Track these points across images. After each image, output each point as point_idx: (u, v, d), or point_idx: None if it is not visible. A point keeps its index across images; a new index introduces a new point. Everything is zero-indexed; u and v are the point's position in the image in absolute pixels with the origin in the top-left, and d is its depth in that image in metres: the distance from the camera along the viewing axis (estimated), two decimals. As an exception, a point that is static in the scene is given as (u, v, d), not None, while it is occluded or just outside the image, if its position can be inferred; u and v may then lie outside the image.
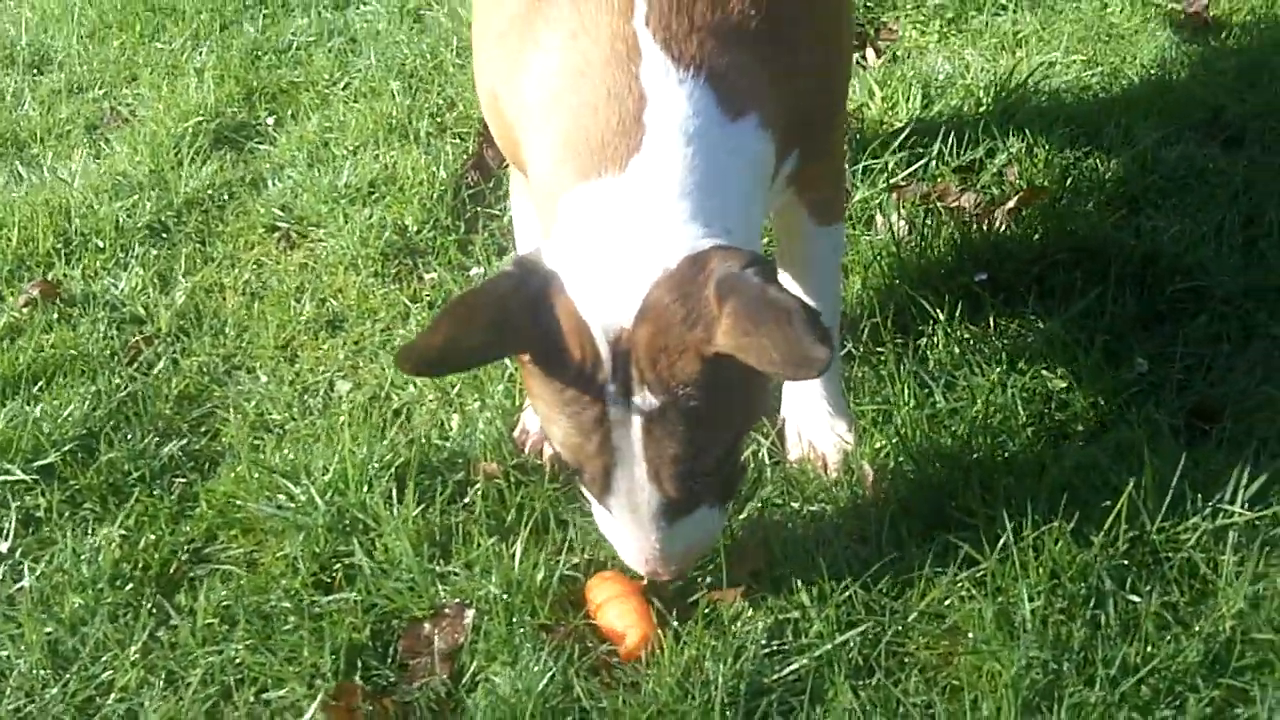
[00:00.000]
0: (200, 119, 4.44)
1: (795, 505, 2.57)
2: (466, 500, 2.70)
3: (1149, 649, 2.17)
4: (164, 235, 3.89)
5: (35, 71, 5.19)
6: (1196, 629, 2.19)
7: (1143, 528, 2.35)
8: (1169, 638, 2.19)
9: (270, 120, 4.48)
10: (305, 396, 3.12)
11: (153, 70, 4.96)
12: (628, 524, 2.24)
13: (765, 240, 3.26)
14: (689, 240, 2.09)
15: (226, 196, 4.04)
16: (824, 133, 2.52)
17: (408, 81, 4.57)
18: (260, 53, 5.00)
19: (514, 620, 2.39)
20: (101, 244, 3.83)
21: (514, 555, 2.50)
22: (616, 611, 2.39)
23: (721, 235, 2.12)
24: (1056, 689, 2.12)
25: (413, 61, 4.72)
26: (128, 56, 5.15)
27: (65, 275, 3.71)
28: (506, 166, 3.86)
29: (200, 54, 5.03)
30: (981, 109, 3.81)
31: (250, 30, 5.18)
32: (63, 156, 4.42)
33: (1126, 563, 2.31)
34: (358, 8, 5.31)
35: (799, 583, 2.37)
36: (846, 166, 2.93)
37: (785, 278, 2.72)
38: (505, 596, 2.42)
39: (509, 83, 2.39)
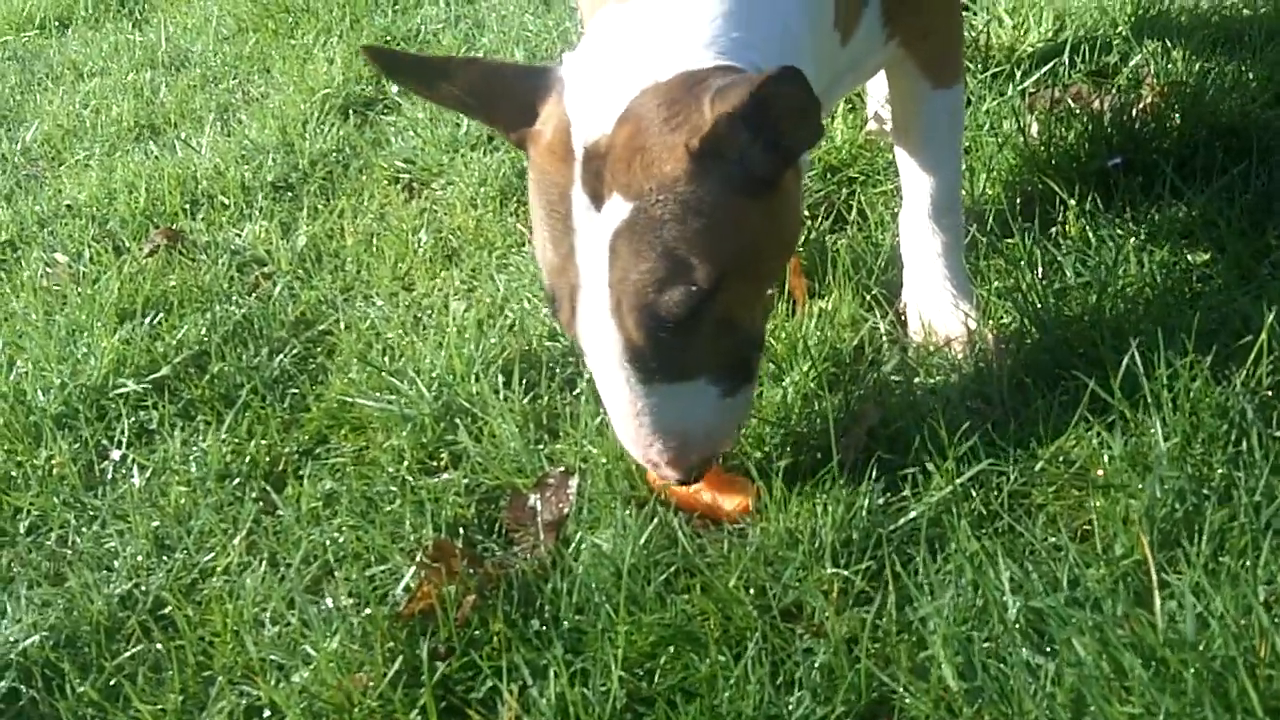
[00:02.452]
0: (328, 93, 4.45)
1: (914, 378, 2.43)
2: (576, 391, 2.61)
3: (1296, 479, 2.00)
4: (288, 191, 3.89)
5: (173, 70, 5.27)
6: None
7: (1288, 363, 2.18)
8: (1319, 467, 2.01)
9: (395, 90, 4.46)
10: (419, 317, 3.06)
11: (285, 60, 5.00)
12: (603, 382, 2.05)
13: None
14: (694, 60, 1.96)
15: (351, 155, 4.03)
16: None
17: (531, 52, 4.54)
18: (389, 39, 5.01)
19: (618, 486, 2.28)
20: (227, 201, 3.84)
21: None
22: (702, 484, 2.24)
23: (747, 66, 1.98)
24: (1196, 520, 1.95)
25: (537, 35, 4.70)
26: (261, 51, 5.22)
27: (190, 228, 3.71)
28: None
29: (331, 44, 5.05)
30: (1117, 29, 3.66)
31: (380, 21, 5.20)
32: (194, 135, 4.45)
33: (1271, 396, 2.13)
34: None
35: (917, 439, 2.23)
36: (962, 26, 2.79)
37: (900, 152, 2.61)
38: (610, 466, 2.31)
39: None
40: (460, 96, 2.10)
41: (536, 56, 4.44)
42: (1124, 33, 3.57)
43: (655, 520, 2.18)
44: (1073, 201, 2.78)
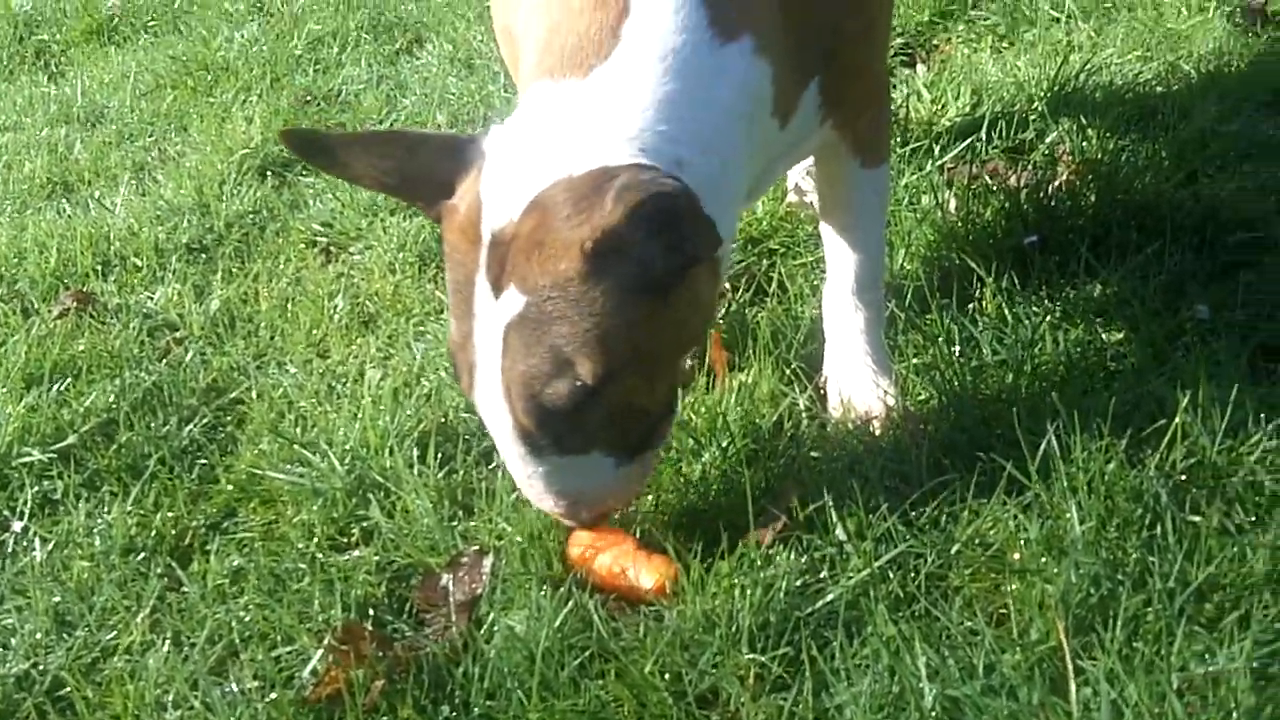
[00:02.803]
0: (246, 153, 4.41)
1: (833, 455, 2.42)
2: (493, 465, 2.58)
3: (1210, 565, 1.99)
4: (203, 254, 3.84)
5: (89, 126, 5.20)
6: (1263, 541, 2.01)
7: (1203, 450, 2.18)
8: (1232, 554, 2.01)
9: (315, 151, 4.42)
10: (334, 385, 3.02)
11: (203, 119, 4.94)
12: (499, 447, 2.10)
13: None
14: (612, 154, 1.96)
15: (267, 217, 3.99)
16: (856, 60, 2.38)
17: (453, 115, 4.52)
18: (310, 99, 4.98)
19: (533, 567, 2.25)
20: (140, 262, 3.78)
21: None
22: (617, 558, 2.22)
23: (669, 162, 1.98)
24: (1111, 605, 1.95)
25: (460, 98, 4.68)
26: (179, 109, 5.15)
27: (101, 290, 3.65)
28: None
29: (250, 102, 5.01)
30: (1033, 104, 3.69)
31: (300, 80, 5.17)
32: (108, 194, 4.39)
33: (1185, 480, 2.14)
34: (409, 60, 5.27)
35: (835, 518, 2.21)
36: (891, 108, 2.80)
37: (826, 229, 2.61)
38: (525, 545, 2.28)
39: (514, 12, 2.32)
40: (377, 176, 2.10)
41: (459, 120, 4.42)
42: (1040, 108, 3.60)
43: (570, 602, 2.14)
44: (990, 279, 2.78)
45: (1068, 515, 2.07)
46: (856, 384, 2.57)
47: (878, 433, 2.47)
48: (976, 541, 2.15)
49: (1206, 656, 1.84)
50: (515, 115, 2.09)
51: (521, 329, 1.94)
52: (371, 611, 2.29)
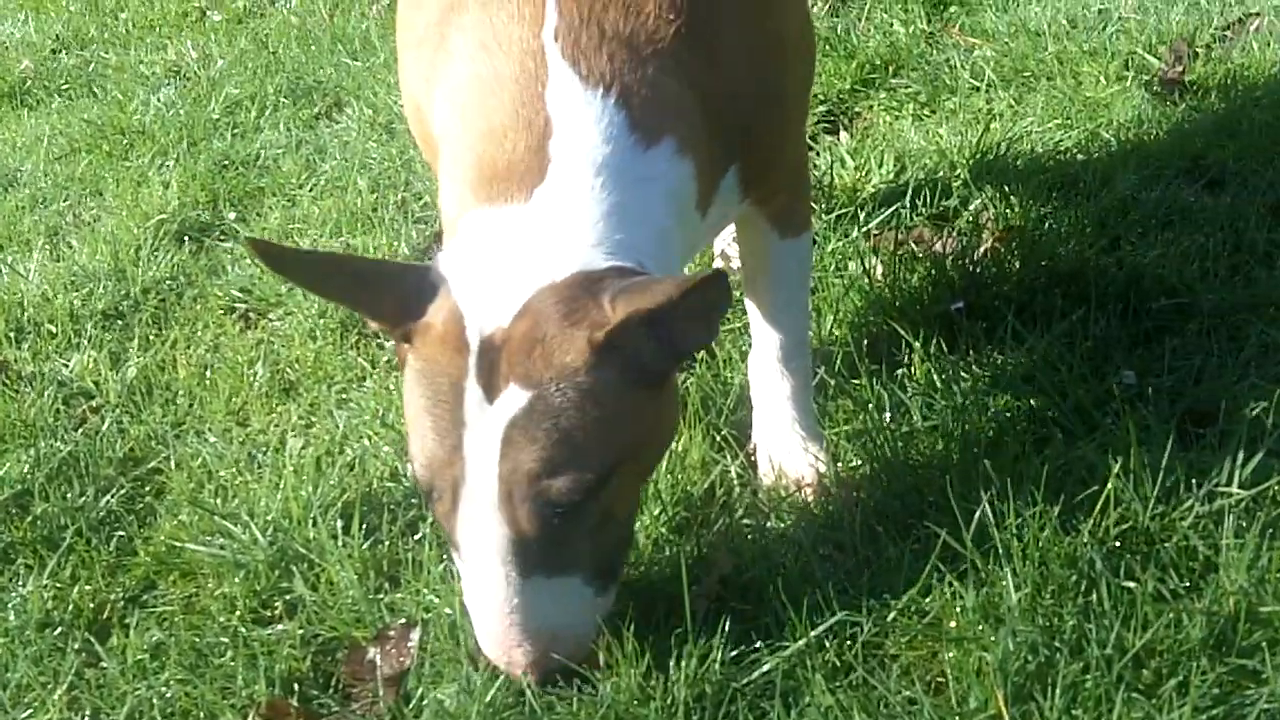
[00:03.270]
0: (163, 218, 4.34)
1: (766, 523, 2.40)
2: (419, 536, 2.54)
3: (1147, 632, 1.99)
4: (119, 320, 3.77)
5: (2, 190, 5.11)
6: (1198, 607, 2.01)
7: (1135, 516, 2.19)
8: (1168, 620, 2.00)
9: (232, 217, 4.38)
10: (255, 454, 2.97)
11: (119, 183, 4.87)
12: (476, 577, 2.04)
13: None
14: (587, 260, 1.99)
15: (185, 283, 3.93)
16: (772, 147, 2.39)
17: (374, 180, 4.49)
18: (227, 163, 4.92)
19: (462, 636, 2.20)
20: (54, 329, 3.71)
21: (465, 577, 2.32)
22: None
23: (634, 266, 2.01)
24: (1049, 673, 1.94)
25: (381, 163, 4.65)
26: (94, 173, 5.07)
27: (15, 358, 3.58)
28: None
29: (167, 167, 4.95)
30: (956, 171, 3.71)
31: (218, 145, 5.11)
32: (21, 259, 4.31)
33: (1119, 546, 2.14)
34: (328, 124, 5.23)
35: (770, 588, 2.19)
36: (809, 176, 2.81)
37: (750, 298, 2.61)
38: (455, 617, 2.24)
39: (427, 93, 2.31)
40: (346, 293, 2.11)
41: (381, 186, 4.38)
42: (963, 175, 3.62)
43: (501, 677, 2.10)
44: (918, 344, 2.78)
45: (1003, 582, 2.06)
46: (786, 451, 2.56)
47: (810, 500, 2.45)
48: (913, 609, 2.13)
49: (1147, 725, 1.83)
50: (462, 241, 2.07)
51: (526, 424, 1.93)
52: (296, 687, 2.25)
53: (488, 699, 2.07)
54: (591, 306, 1.93)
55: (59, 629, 2.47)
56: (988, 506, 2.17)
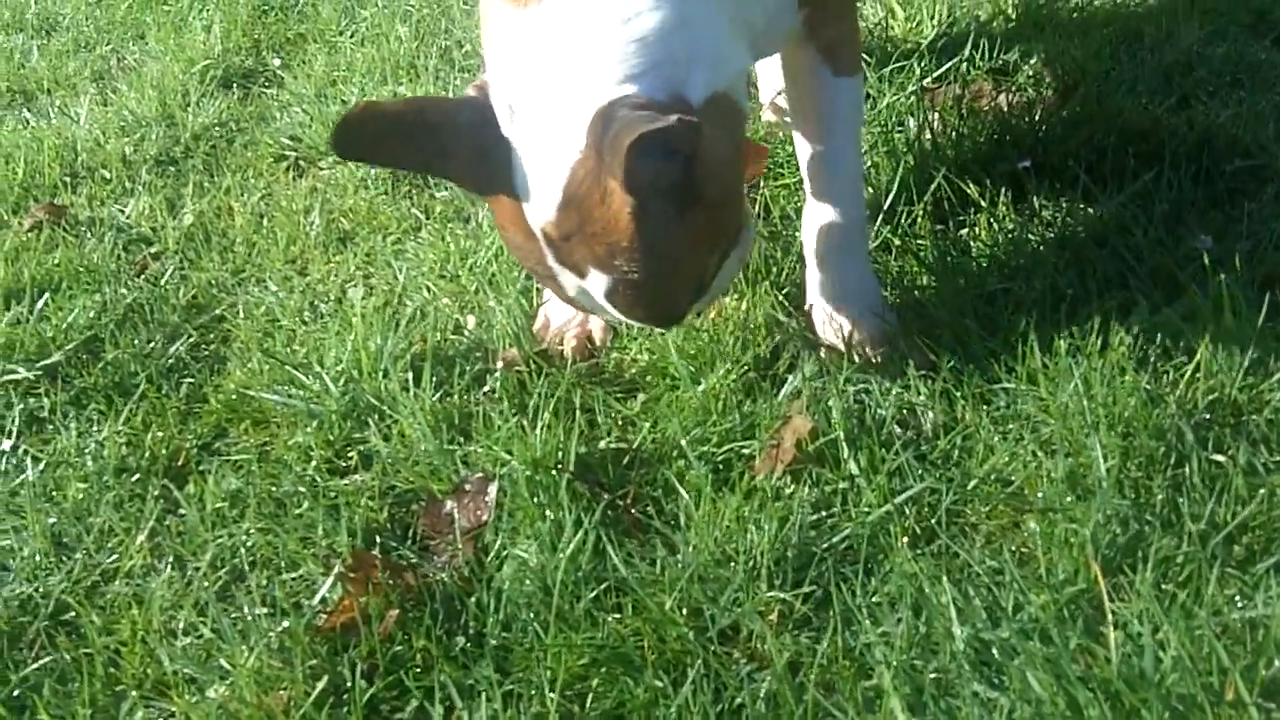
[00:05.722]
0: (207, 64, 4.31)
1: (837, 384, 2.39)
2: (487, 388, 2.54)
3: (1239, 506, 1.98)
4: (171, 166, 3.76)
5: (43, 34, 5.07)
6: (1293, 483, 2.01)
7: (1222, 387, 2.17)
8: (1261, 494, 2.00)
9: (276, 63, 4.34)
10: (316, 303, 2.97)
11: (159, 28, 4.83)
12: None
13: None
14: (603, 97, 1.94)
15: (235, 130, 3.91)
16: None
17: (415, 27, 4.43)
18: (267, 8, 4.87)
19: (539, 494, 2.21)
20: (109, 174, 3.70)
21: (536, 432, 2.33)
22: None
23: (654, 82, 1.96)
24: (1140, 547, 1.94)
25: (419, 10, 4.59)
26: (134, 17, 5.03)
27: (71, 202, 3.57)
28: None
29: (207, 11, 4.89)
30: (1011, 24, 3.65)
31: (257, -14, 5.05)
32: (70, 102, 4.29)
33: (1208, 418, 2.13)
34: (367, -32, 5.16)
35: (847, 453, 2.20)
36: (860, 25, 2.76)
37: (800, 145, 2.55)
38: (528, 471, 2.25)
39: None
40: (427, 167, 2.29)
41: (422, 34, 4.33)
42: (1018, 28, 3.56)
43: (580, 532, 2.11)
44: (984, 203, 2.75)
45: (1090, 453, 2.06)
46: (844, 308, 2.52)
47: (876, 361, 2.44)
48: (993, 478, 2.13)
49: (1240, 601, 1.83)
50: (496, 68, 2.05)
51: (620, 292, 2.02)
52: (376, 539, 2.26)
53: (569, 553, 2.08)
54: (616, 168, 1.88)
55: (136, 475, 2.48)
56: (1075, 374, 2.16)
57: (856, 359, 2.45)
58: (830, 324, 2.53)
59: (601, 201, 1.94)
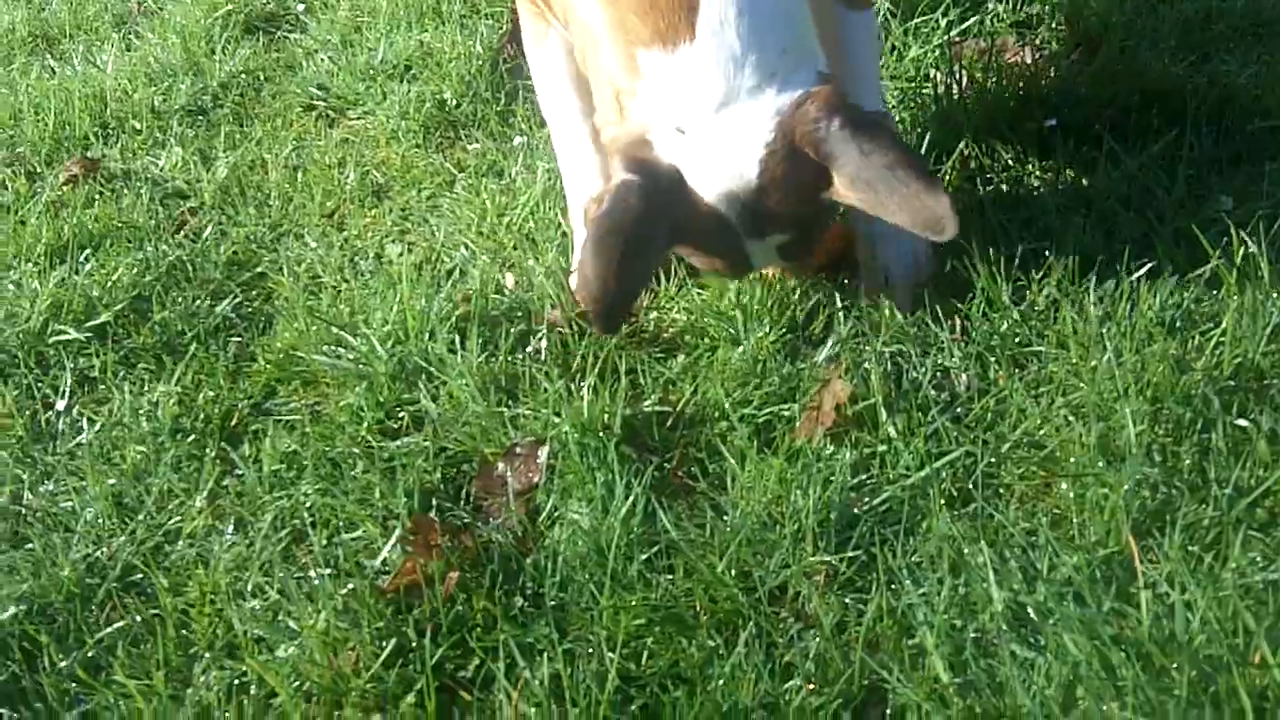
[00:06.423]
0: (230, 8, 4.36)
1: (872, 347, 2.47)
2: (530, 348, 2.62)
3: (1263, 471, 2.07)
4: (201, 116, 3.82)
5: (60, -26, 5.10)
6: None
7: (1246, 353, 2.25)
8: (1282, 460, 2.09)
9: (300, 8, 4.39)
10: (355, 260, 3.04)
11: (179, -33, 4.86)
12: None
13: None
14: (770, 107, 2.20)
15: (262, 79, 3.98)
16: None
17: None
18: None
19: (589, 457, 2.30)
20: (139, 126, 3.77)
21: (583, 396, 2.41)
22: None
23: (792, 63, 2.23)
24: (1168, 511, 2.03)
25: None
26: (151, -43, 5.06)
27: (104, 155, 3.63)
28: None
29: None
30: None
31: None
32: (93, 49, 4.34)
33: (1233, 385, 2.21)
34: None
35: (885, 415, 2.28)
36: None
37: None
38: (577, 435, 2.33)
39: None
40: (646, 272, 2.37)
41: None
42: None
43: (630, 497, 2.20)
44: (1011, 162, 2.82)
45: (1119, 417, 2.15)
46: (891, 254, 2.61)
47: (911, 310, 2.51)
48: (1026, 442, 2.21)
49: (1262, 563, 1.92)
50: (651, 93, 2.24)
51: (793, 244, 2.34)
52: (432, 500, 2.34)
53: (620, 516, 2.17)
54: (806, 163, 2.20)
55: (192, 436, 2.56)
56: (1106, 341, 2.24)
57: (899, 316, 2.53)
58: (875, 271, 2.64)
59: (798, 182, 2.22)
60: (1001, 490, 2.18)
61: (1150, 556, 1.98)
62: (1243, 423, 2.14)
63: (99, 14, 4.62)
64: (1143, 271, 2.44)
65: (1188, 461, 2.09)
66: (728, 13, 2.19)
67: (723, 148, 2.21)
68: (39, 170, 3.59)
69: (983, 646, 1.90)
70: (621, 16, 2.23)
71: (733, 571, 2.08)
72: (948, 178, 2.82)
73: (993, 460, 2.20)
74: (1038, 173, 2.84)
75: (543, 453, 2.34)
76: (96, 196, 3.39)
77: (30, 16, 4.65)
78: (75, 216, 3.25)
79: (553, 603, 2.11)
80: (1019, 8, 3.50)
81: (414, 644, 2.06)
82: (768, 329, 2.51)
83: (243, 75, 3.99)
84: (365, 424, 2.51)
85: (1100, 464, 2.10)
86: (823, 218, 2.37)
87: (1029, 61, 3.24)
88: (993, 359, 2.37)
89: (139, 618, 2.22)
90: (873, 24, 2.72)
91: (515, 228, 2.99)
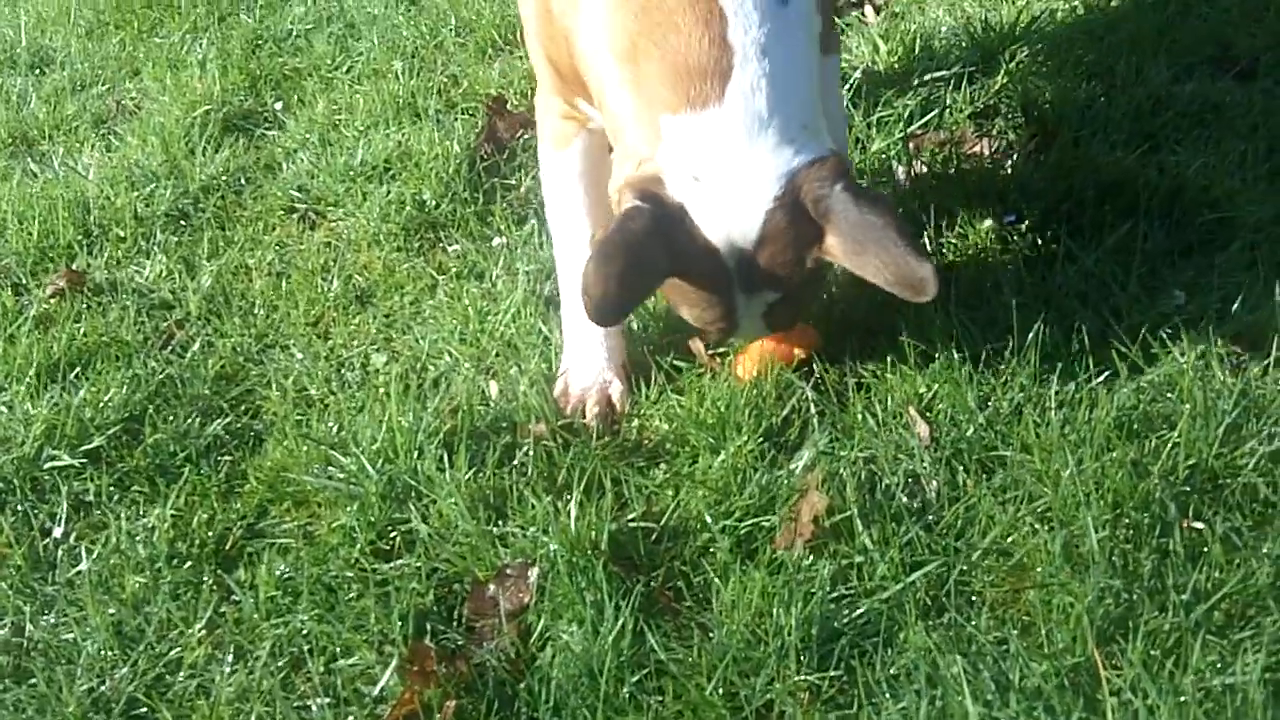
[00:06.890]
0: (208, 108, 4.43)
1: (847, 454, 2.57)
2: (516, 462, 2.71)
3: (1218, 574, 2.18)
4: (184, 222, 3.89)
5: (37, 71, 5.19)
6: (1264, 551, 2.20)
7: (1200, 455, 2.36)
8: (1237, 562, 2.20)
9: (278, 106, 4.47)
10: (342, 370, 3.12)
11: (154, 64, 4.95)
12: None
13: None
14: (785, 164, 2.38)
15: (243, 181, 4.04)
16: None
17: (410, 62, 4.58)
18: (260, 41, 5.00)
19: (578, 577, 2.38)
20: (122, 233, 3.83)
21: (570, 513, 2.49)
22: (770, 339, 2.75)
23: (809, 136, 2.42)
24: (1130, 618, 2.13)
25: (413, 42, 4.74)
26: (128, 52, 5.16)
27: (89, 265, 3.70)
28: (519, 136, 3.88)
29: (200, 46, 5.02)
30: (991, 61, 3.82)
31: (248, 20, 5.19)
32: (74, 151, 4.41)
33: (1188, 489, 2.32)
34: (351, -8, 5.28)
35: (861, 527, 2.37)
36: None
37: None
38: (566, 554, 2.42)
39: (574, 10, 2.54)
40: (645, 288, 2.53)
41: (417, 70, 4.47)
42: (998, 64, 3.74)
43: (620, 619, 2.28)
44: (971, 258, 2.92)
45: (1081, 524, 2.25)
46: None
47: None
48: (995, 550, 2.31)
49: (1220, 666, 2.02)
50: (674, 149, 2.40)
51: (781, 306, 2.51)
52: (425, 623, 2.42)
53: (611, 639, 2.25)
54: (807, 224, 2.40)
55: (189, 562, 2.63)
56: (1066, 448, 2.34)
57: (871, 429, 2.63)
58: None
59: (796, 241, 2.41)
60: (973, 598, 2.27)
61: (1114, 663, 2.08)
62: (1199, 525, 2.24)
63: (78, 113, 4.68)
64: (1100, 373, 2.54)
65: (1147, 567, 2.20)
66: (759, 81, 2.35)
67: (733, 194, 2.37)
68: (24, 282, 3.65)
69: (960, 762, 1.99)
70: (652, 90, 2.39)
71: (720, 692, 2.17)
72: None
73: (964, 569, 2.30)
74: (998, 268, 2.94)
75: (533, 573, 2.43)
76: (84, 310, 3.45)
77: (9, 117, 4.71)
78: (64, 333, 3.32)
79: (549, 729, 2.19)
80: (975, 99, 3.62)
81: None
82: (745, 438, 2.60)
83: (223, 177, 4.06)
84: (358, 545, 2.59)
85: (1065, 572, 2.20)
86: (810, 290, 2.57)
87: (987, 153, 3.35)
88: (960, 465, 2.46)
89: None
90: (839, 68, 3.04)
91: (498, 334, 3.08)
